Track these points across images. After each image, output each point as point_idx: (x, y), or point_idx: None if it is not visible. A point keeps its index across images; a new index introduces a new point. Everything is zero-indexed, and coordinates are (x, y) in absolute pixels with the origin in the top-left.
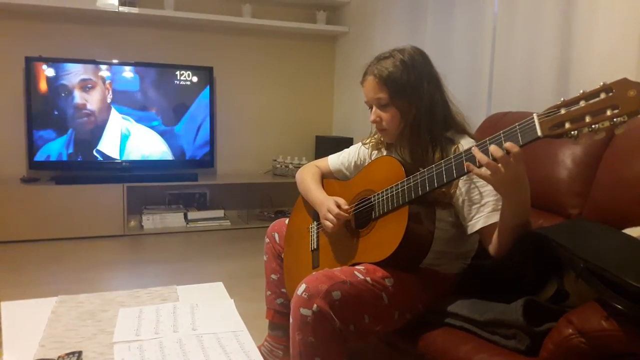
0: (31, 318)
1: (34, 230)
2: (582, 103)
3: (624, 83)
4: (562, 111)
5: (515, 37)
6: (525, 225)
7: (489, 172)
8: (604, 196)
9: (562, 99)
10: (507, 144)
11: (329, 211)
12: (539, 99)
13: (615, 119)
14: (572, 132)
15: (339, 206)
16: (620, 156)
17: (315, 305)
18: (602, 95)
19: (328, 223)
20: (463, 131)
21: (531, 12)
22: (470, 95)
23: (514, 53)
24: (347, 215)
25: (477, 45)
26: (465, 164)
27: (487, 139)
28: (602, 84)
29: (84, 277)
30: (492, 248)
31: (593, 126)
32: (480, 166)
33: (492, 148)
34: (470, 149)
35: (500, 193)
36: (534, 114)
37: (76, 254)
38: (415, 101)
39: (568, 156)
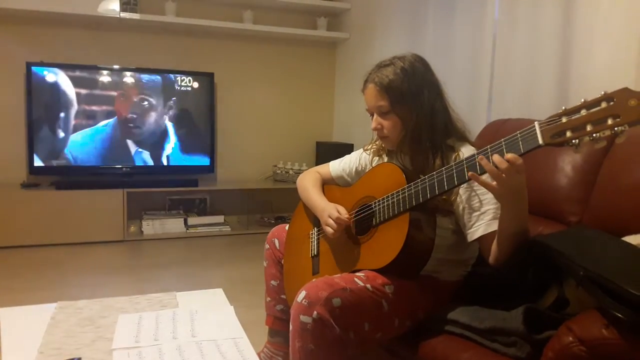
0: (30, 324)
1: (34, 235)
2: (584, 112)
3: (625, 92)
4: (564, 119)
5: (516, 45)
6: (523, 234)
7: (492, 181)
8: (603, 204)
9: (563, 108)
10: (509, 156)
11: (330, 217)
12: (539, 107)
13: (616, 128)
14: (574, 141)
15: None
16: (620, 164)
17: (315, 313)
18: (603, 104)
19: (329, 229)
20: (463, 138)
21: (531, 20)
22: (471, 102)
23: (514, 60)
24: (347, 220)
25: (478, 52)
26: (469, 173)
27: (488, 147)
28: (603, 92)
29: (83, 283)
30: (491, 256)
31: (594, 135)
32: (482, 173)
33: (496, 158)
34: (471, 156)
35: (501, 202)
36: (536, 122)
37: (76, 259)
38: (416, 108)
39: (568, 164)
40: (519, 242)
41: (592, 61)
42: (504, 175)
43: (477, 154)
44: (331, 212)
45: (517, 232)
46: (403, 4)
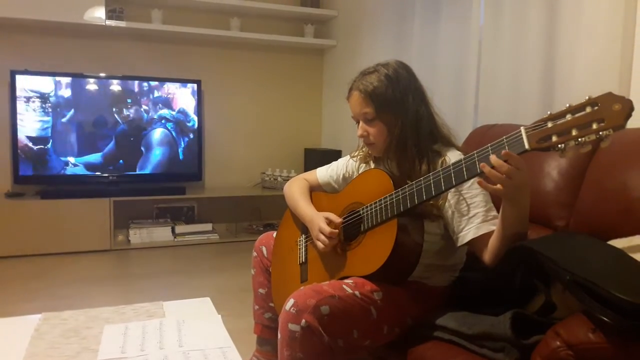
0: (14, 336)
1: (19, 245)
2: (569, 116)
3: (609, 97)
4: (549, 124)
5: (501, 50)
6: (524, 234)
7: (503, 176)
8: (589, 208)
9: (548, 113)
10: (505, 152)
11: (321, 231)
12: (524, 112)
13: (601, 132)
14: (559, 146)
15: (329, 222)
16: (604, 168)
17: (303, 321)
18: (588, 109)
19: (320, 244)
20: (449, 144)
21: (516, 26)
22: (457, 108)
23: (500, 66)
24: (338, 232)
25: (463, 58)
26: (480, 164)
27: (474, 152)
28: (587, 97)
29: (69, 294)
30: (487, 257)
31: (579, 139)
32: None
33: (494, 161)
34: (458, 162)
35: (508, 200)
36: (522, 127)
37: (61, 269)
38: (401, 115)
39: (554, 168)
40: (519, 240)
41: (577, 66)
42: (505, 176)
43: (464, 159)
44: (322, 225)
45: (519, 231)
46: (389, 12)
